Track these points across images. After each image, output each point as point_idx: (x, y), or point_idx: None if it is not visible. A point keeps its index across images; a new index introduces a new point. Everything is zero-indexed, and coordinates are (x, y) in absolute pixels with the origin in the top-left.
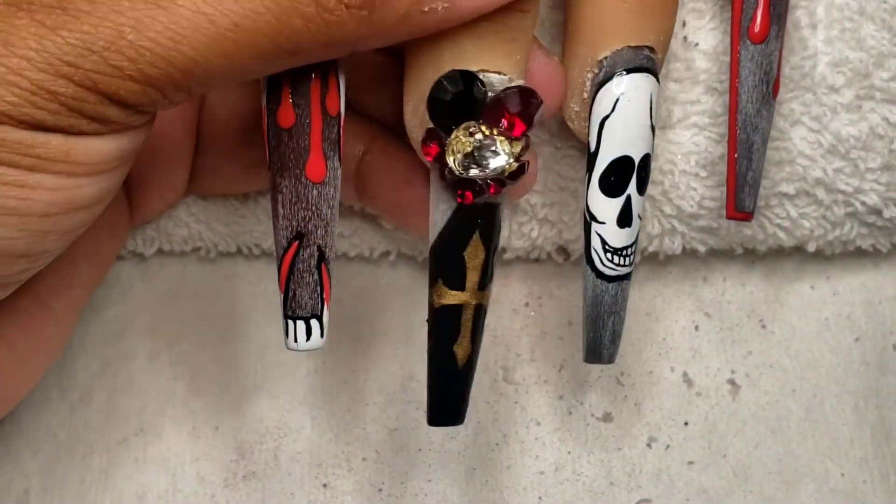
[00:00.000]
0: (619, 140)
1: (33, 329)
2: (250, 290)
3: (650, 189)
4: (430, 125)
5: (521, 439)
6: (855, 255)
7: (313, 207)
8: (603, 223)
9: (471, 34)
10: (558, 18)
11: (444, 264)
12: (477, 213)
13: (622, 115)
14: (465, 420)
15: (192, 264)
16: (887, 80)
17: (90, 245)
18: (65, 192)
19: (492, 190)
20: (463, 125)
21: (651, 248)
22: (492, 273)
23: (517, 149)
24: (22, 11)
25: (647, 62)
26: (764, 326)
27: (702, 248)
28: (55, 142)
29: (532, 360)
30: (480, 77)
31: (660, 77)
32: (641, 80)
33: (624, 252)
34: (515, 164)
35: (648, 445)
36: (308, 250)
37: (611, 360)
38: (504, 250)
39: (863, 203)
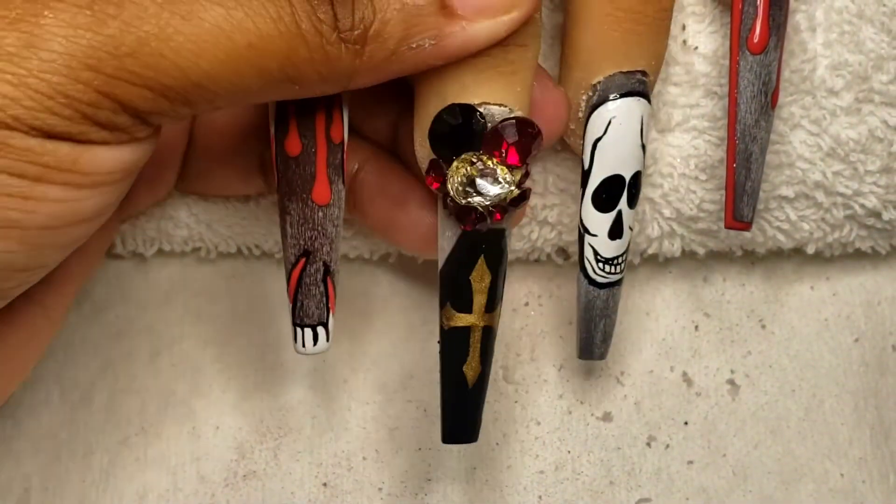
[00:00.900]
0: (611, 160)
1: (23, 325)
2: (251, 291)
3: (650, 192)
4: (433, 156)
5: (521, 439)
6: (854, 257)
7: (319, 227)
8: (595, 235)
9: (471, 69)
10: (559, 20)
11: (452, 287)
12: (481, 239)
13: (614, 136)
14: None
15: (193, 265)
16: (886, 83)
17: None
18: (68, 205)
19: (497, 216)
20: (463, 156)
21: (650, 251)
22: (500, 296)
23: (517, 176)
24: (48, 10)
25: (638, 86)
26: (764, 327)
27: (701, 251)
28: (64, 150)
29: (532, 360)
30: (480, 110)
31: (660, 80)
32: (633, 104)
33: (615, 261)
34: (517, 191)
35: (648, 445)
36: (314, 266)
37: (602, 357)
38: None
39: (862, 206)
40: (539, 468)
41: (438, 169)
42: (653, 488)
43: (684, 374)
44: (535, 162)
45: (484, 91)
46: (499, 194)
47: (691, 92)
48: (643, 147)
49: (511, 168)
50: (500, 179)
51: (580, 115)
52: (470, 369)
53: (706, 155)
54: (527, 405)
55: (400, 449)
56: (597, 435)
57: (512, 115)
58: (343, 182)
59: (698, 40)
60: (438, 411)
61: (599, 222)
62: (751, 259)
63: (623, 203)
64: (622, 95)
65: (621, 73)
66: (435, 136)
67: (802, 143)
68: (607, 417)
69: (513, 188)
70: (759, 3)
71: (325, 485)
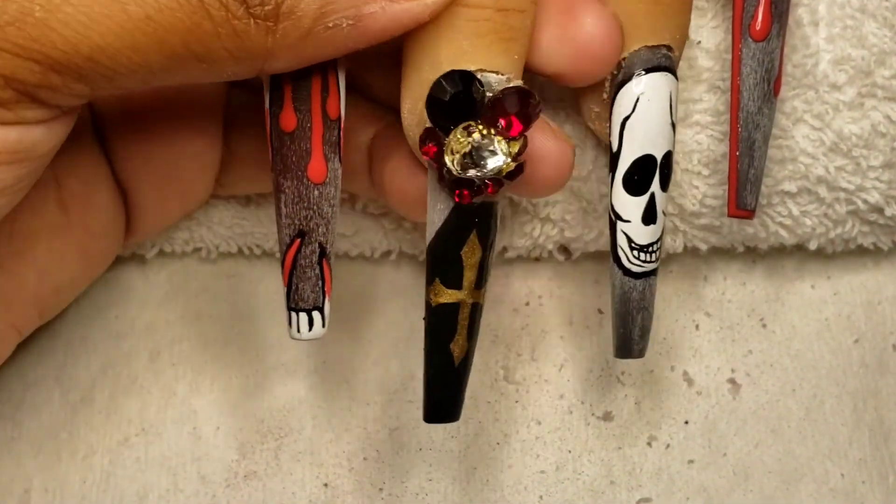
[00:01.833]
0: (641, 139)
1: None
2: (251, 290)
3: None
4: (428, 125)
5: (522, 438)
6: (856, 255)
7: (315, 207)
8: (628, 221)
9: (470, 33)
10: None
11: (442, 263)
12: (474, 213)
13: (643, 114)
14: (466, 419)
15: (193, 264)
16: (889, 77)
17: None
18: None
19: (490, 189)
20: (461, 125)
21: None
22: (489, 271)
23: (515, 149)
24: None
25: (665, 61)
26: (764, 326)
27: (703, 247)
28: None
29: (533, 360)
30: (479, 77)
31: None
32: (660, 79)
33: (650, 248)
34: (513, 164)
35: (649, 444)
36: (310, 247)
37: (641, 354)
38: (505, 249)
39: (864, 201)
40: (540, 468)
41: (434, 138)
42: (653, 488)
43: (685, 373)
44: None
45: (482, 57)
46: (497, 167)
47: (694, 87)
48: (673, 126)
49: (510, 140)
50: (499, 151)
51: (604, 96)
52: (457, 347)
53: (709, 150)
54: (527, 405)
55: (401, 449)
56: (597, 434)
57: (512, 85)
58: (340, 160)
59: (701, 34)
60: None
61: (632, 207)
62: (752, 257)
63: (656, 185)
64: (648, 71)
65: (646, 47)
66: (433, 104)
67: (805, 138)
68: (608, 417)
69: (510, 161)
70: None
71: (325, 485)
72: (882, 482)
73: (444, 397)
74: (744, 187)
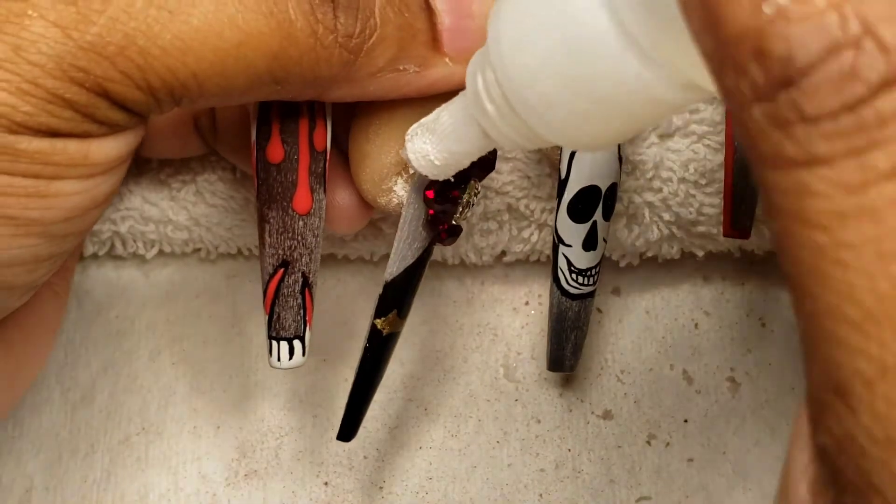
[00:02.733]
0: (588, 171)
1: (38, 307)
2: (251, 290)
3: (649, 196)
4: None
5: (522, 437)
6: None
7: (299, 237)
8: (570, 246)
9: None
10: None
11: (404, 296)
12: (432, 249)
13: None
14: (466, 417)
15: (193, 264)
16: None
17: None
18: (84, 195)
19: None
20: (472, 181)
21: (650, 254)
22: None
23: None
24: (32, 8)
25: None
26: (763, 325)
27: (700, 253)
28: (73, 147)
29: (532, 359)
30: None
31: None
32: None
33: (588, 273)
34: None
35: (648, 443)
36: (293, 276)
37: (571, 369)
38: (504, 254)
39: None
40: (539, 466)
41: (445, 190)
42: (653, 486)
43: (684, 372)
44: (537, 167)
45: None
46: (469, 214)
47: None
48: (620, 159)
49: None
50: (473, 203)
51: None
52: (384, 371)
53: (706, 160)
54: (527, 403)
55: (401, 448)
56: (597, 433)
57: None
58: (324, 191)
59: None
60: (440, 410)
61: (574, 232)
62: (750, 258)
63: (598, 214)
64: None
65: None
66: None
67: None
68: (608, 415)
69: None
70: None
71: (326, 484)
72: None
73: (362, 417)
74: (738, 208)
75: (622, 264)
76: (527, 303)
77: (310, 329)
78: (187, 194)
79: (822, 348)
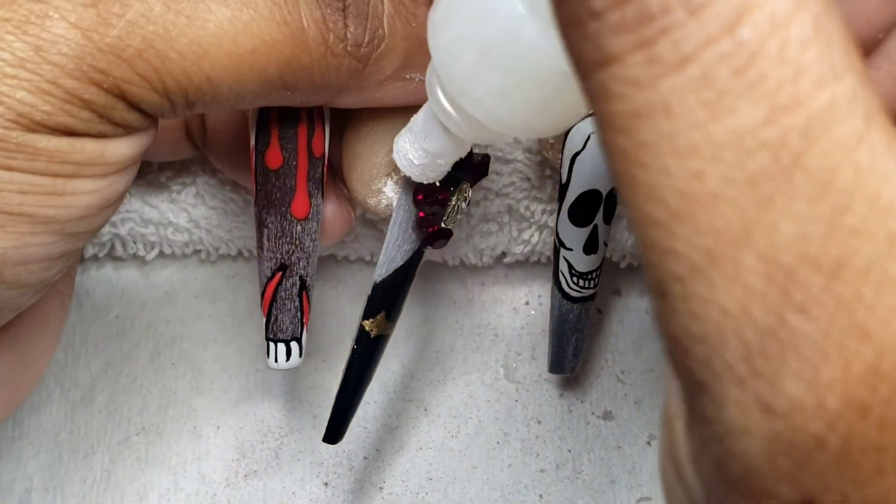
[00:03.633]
0: (589, 175)
1: (42, 306)
2: (251, 291)
3: None
4: (397, 186)
5: (522, 437)
6: None
7: (297, 241)
8: (570, 249)
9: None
10: None
11: (393, 298)
12: (423, 253)
13: (592, 152)
14: (466, 418)
15: (193, 265)
16: None
17: None
18: (99, 194)
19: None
20: (463, 185)
21: None
22: None
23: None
24: (53, 10)
25: None
26: None
27: None
28: (90, 146)
29: (533, 359)
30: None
31: None
32: None
33: (589, 276)
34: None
35: (648, 443)
36: (291, 280)
37: (572, 371)
38: (504, 255)
39: None
40: (540, 467)
41: (434, 193)
42: (653, 487)
43: None
44: (538, 168)
45: None
46: (459, 219)
47: None
48: None
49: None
50: (465, 207)
51: None
52: (373, 373)
53: None
54: (527, 404)
55: (401, 448)
56: (597, 434)
57: (481, 151)
58: (322, 196)
59: None
60: (440, 410)
61: (576, 236)
62: None
63: (599, 218)
64: None
65: None
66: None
67: None
68: (608, 416)
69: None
70: None
71: (326, 484)
72: None
73: (349, 420)
74: None
75: (622, 265)
76: (527, 303)
77: (307, 331)
78: (187, 196)
79: (645, 254)
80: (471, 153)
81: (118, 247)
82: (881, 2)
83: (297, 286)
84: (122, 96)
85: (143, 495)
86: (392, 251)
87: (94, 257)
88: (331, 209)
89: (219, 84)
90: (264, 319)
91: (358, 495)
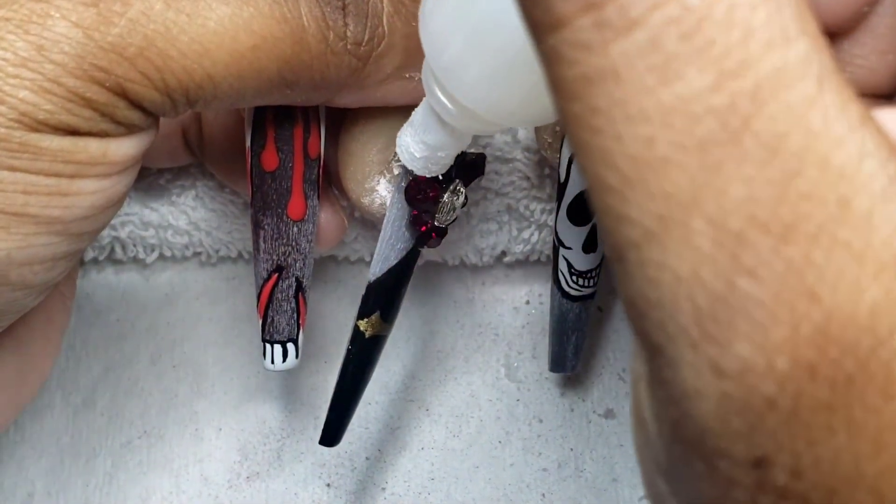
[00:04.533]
0: None
1: (45, 308)
2: (251, 293)
3: None
4: (407, 176)
5: (524, 437)
6: None
7: (293, 243)
8: (570, 248)
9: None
10: None
11: (388, 298)
12: (418, 254)
13: None
14: (468, 418)
15: (193, 267)
16: None
17: None
18: (101, 194)
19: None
20: (455, 183)
21: None
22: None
23: (462, 205)
24: (54, 9)
25: None
26: None
27: None
28: (93, 145)
29: (534, 358)
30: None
31: None
32: None
33: (589, 275)
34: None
35: None
36: (287, 281)
37: (573, 370)
38: (504, 254)
39: None
40: (542, 466)
41: (424, 190)
42: None
43: None
44: (537, 168)
45: None
46: (455, 217)
47: None
48: None
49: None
50: (459, 206)
51: (557, 128)
52: (370, 375)
53: None
54: (529, 403)
55: (403, 449)
56: (599, 432)
57: (475, 151)
58: (318, 197)
59: None
60: (442, 410)
61: (575, 235)
62: None
63: None
64: None
65: None
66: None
67: None
68: (609, 414)
69: (458, 213)
70: None
71: (328, 485)
72: None
73: (345, 424)
74: None
75: None
76: (527, 302)
77: (303, 332)
78: (187, 199)
79: (601, 221)
80: (463, 151)
81: (118, 250)
82: None
83: (294, 287)
84: (124, 95)
85: (146, 498)
86: (385, 250)
87: (95, 260)
88: (324, 217)
89: (220, 82)
90: (260, 321)
91: (360, 496)
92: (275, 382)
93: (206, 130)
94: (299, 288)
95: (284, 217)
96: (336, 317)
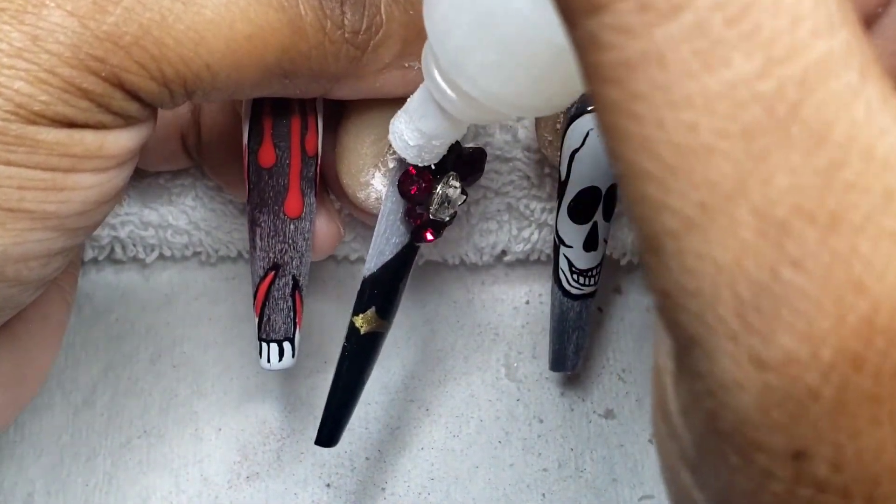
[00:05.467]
0: (588, 172)
1: (44, 305)
2: (251, 292)
3: None
4: (397, 170)
5: (524, 437)
6: None
7: (290, 240)
8: (571, 247)
9: None
10: None
11: (383, 293)
12: (416, 250)
13: (591, 148)
14: (468, 418)
15: (193, 267)
16: None
17: None
18: (98, 189)
19: (440, 233)
20: (449, 175)
21: None
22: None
23: (461, 201)
24: None
25: None
26: None
27: None
28: (90, 138)
29: (534, 358)
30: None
31: None
32: None
33: (589, 273)
34: (454, 212)
35: (650, 441)
36: (283, 279)
37: (574, 369)
38: (504, 253)
39: None
40: (542, 466)
41: (417, 181)
42: (655, 485)
43: None
44: (537, 167)
45: None
46: (452, 213)
47: None
48: None
49: (464, 193)
50: (459, 202)
51: (558, 126)
52: (367, 374)
53: None
54: (529, 403)
55: (402, 449)
56: (599, 432)
57: (474, 145)
58: (315, 195)
59: None
60: (441, 410)
61: (575, 234)
62: None
63: (599, 215)
64: None
65: None
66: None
67: None
68: (610, 415)
69: (455, 210)
70: None
71: (328, 485)
72: None
73: (343, 422)
74: None
75: (623, 263)
76: (527, 302)
77: (300, 331)
78: (186, 199)
79: (636, 209)
80: (459, 144)
81: (118, 250)
82: None
83: (290, 286)
84: (120, 85)
85: (146, 498)
86: (380, 244)
87: (94, 260)
88: (319, 224)
89: (217, 71)
90: (257, 319)
91: (360, 496)
92: (275, 382)
93: (204, 135)
94: (296, 286)
95: (281, 214)
96: (335, 317)
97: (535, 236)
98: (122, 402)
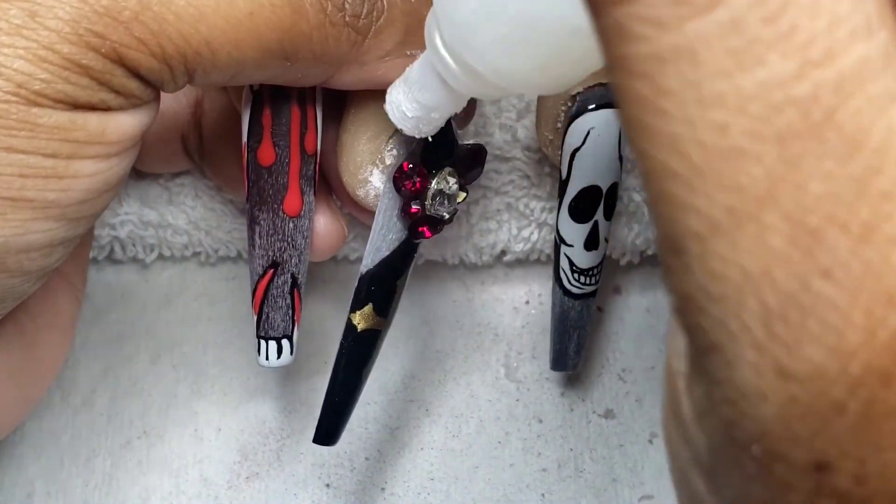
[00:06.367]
0: (589, 170)
1: (52, 297)
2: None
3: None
4: (396, 165)
5: (524, 437)
6: None
7: (289, 239)
8: (571, 246)
9: None
10: None
11: (380, 290)
12: (415, 247)
13: (592, 147)
14: (467, 418)
15: (193, 267)
16: None
17: None
18: (99, 177)
19: (439, 229)
20: (445, 169)
21: (650, 252)
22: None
23: (461, 198)
24: None
25: None
26: None
27: None
28: (93, 122)
29: (533, 358)
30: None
31: None
32: (611, 115)
33: (590, 272)
34: (454, 211)
35: (650, 441)
36: (282, 277)
37: (574, 368)
38: (504, 253)
39: None
40: (542, 466)
41: (412, 176)
42: (655, 485)
43: None
44: (537, 166)
45: None
46: (452, 209)
47: None
48: (621, 158)
49: (464, 189)
50: (459, 198)
51: (559, 125)
52: (366, 373)
53: None
54: (529, 403)
55: (402, 449)
56: (599, 432)
57: (474, 142)
58: (314, 193)
59: None
60: (441, 410)
61: (576, 232)
62: None
63: (600, 214)
64: (601, 106)
65: (601, 84)
66: (430, 150)
67: None
68: (609, 415)
69: (455, 207)
70: None
71: (327, 486)
72: None
73: (342, 421)
74: None
75: (623, 263)
76: (527, 302)
77: (298, 329)
78: (186, 198)
79: (659, 209)
80: (456, 141)
81: (117, 249)
82: None
83: (289, 284)
84: (121, 61)
85: (145, 498)
86: (378, 240)
87: (94, 260)
88: (323, 224)
89: (217, 49)
90: (255, 317)
91: (360, 496)
92: (274, 383)
93: (205, 136)
94: (294, 284)
95: (280, 213)
96: (336, 317)
97: (535, 236)
98: (121, 402)
